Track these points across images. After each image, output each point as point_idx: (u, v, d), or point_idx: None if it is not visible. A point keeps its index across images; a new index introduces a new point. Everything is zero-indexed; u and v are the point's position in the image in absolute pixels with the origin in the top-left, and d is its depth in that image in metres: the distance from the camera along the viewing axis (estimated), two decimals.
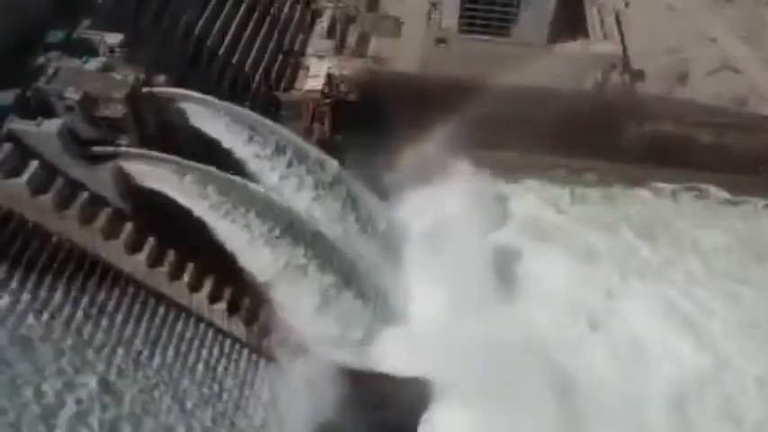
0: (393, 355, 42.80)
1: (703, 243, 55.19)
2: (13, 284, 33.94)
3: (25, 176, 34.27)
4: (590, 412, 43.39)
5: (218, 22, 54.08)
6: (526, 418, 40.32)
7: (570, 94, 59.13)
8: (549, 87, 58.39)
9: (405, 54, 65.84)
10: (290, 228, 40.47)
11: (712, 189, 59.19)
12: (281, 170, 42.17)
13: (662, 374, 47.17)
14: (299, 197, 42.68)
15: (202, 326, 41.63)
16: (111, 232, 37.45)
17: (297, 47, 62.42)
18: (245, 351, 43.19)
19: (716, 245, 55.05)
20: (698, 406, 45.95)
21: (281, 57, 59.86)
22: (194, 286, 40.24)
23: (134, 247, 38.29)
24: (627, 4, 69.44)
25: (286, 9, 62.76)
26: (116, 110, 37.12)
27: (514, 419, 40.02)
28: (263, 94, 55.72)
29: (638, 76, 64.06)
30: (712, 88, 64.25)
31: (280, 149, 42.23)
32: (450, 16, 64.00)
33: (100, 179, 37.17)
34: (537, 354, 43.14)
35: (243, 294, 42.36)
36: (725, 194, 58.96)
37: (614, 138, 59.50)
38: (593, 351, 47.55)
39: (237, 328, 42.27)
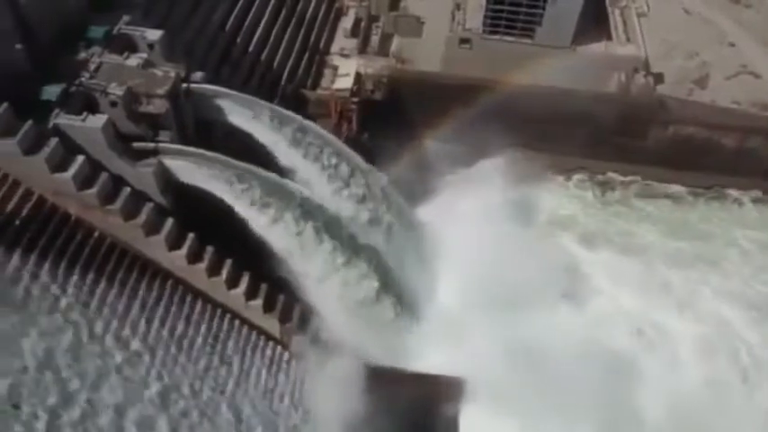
0: (429, 356, 42.91)
1: (732, 243, 55.60)
2: (57, 281, 34.10)
3: (72, 171, 34.27)
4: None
5: (248, 20, 54.08)
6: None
7: (594, 97, 59.44)
8: (573, 89, 58.65)
9: (427, 54, 65.87)
10: (330, 228, 40.61)
11: (736, 193, 59.71)
12: (321, 171, 42.31)
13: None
14: (338, 197, 42.76)
15: (237, 322, 41.81)
16: (152, 228, 37.44)
17: (321, 45, 62.41)
18: (279, 348, 43.33)
19: (745, 244, 55.43)
20: None
21: (306, 55, 59.85)
22: (232, 283, 40.23)
23: (174, 243, 38.27)
24: (648, 8, 69.55)
25: (311, 7, 62.72)
26: (158, 106, 37.16)
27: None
28: (291, 93, 55.67)
29: (658, 79, 64.33)
30: (732, 93, 64.48)
31: (320, 150, 42.37)
32: (474, 17, 64.02)
33: (141, 175, 37.12)
34: (584, 354, 43.33)
35: (278, 292, 42.41)
36: (748, 197, 59.42)
37: (638, 140, 59.89)
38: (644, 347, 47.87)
39: (272, 325, 42.29)
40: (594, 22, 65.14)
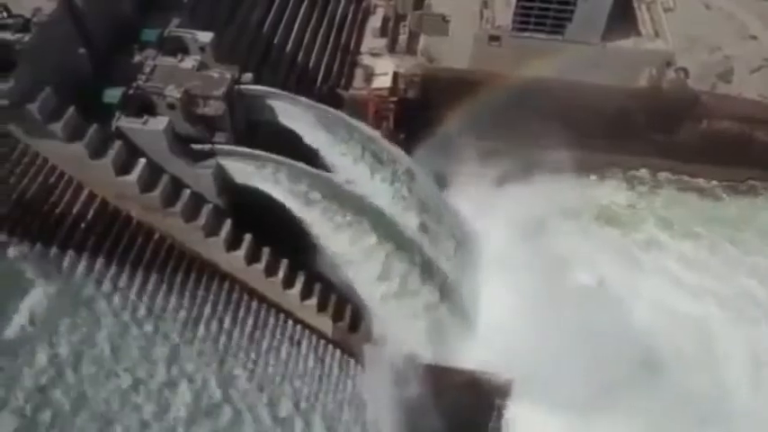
0: (481, 353, 43.17)
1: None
2: (122, 282, 34.31)
3: (135, 173, 34.40)
4: None
5: (283, 22, 54.22)
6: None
7: (627, 92, 59.64)
8: (606, 85, 58.82)
9: (454, 51, 65.88)
10: (383, 229, 40.81)
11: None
12: (371, 172, 42.49)
13: None
14: (388, 198, 42.84)
15: (291, 322, 42.02)
16: (212, 229, 37.58)
17: (352, 45, 62.53)
18: (330, 347, 43.56)
19: None
20: None
21: (338, 55, 59.97)
22: (288, 283, 40.40)
23: (232, 244, 38.41)
24: (674, 3, 69.78)
25: (340, 7, 62.84)
26: (215, 107, 37.28)
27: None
28: (327, 93, 55.78)
29: (685, 74, 64.54)
30: (756, 86, 64.78)
31: (369, 151, 42.55)
32: (503, 14, 64.09)
33: (199, 176, 37.25)
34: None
35: (330, 291, 42.59)
36: None
37: (671, 135, 60.14)
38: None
39: (325, 324, 42.48)
40: (621, 18, 65.22)
